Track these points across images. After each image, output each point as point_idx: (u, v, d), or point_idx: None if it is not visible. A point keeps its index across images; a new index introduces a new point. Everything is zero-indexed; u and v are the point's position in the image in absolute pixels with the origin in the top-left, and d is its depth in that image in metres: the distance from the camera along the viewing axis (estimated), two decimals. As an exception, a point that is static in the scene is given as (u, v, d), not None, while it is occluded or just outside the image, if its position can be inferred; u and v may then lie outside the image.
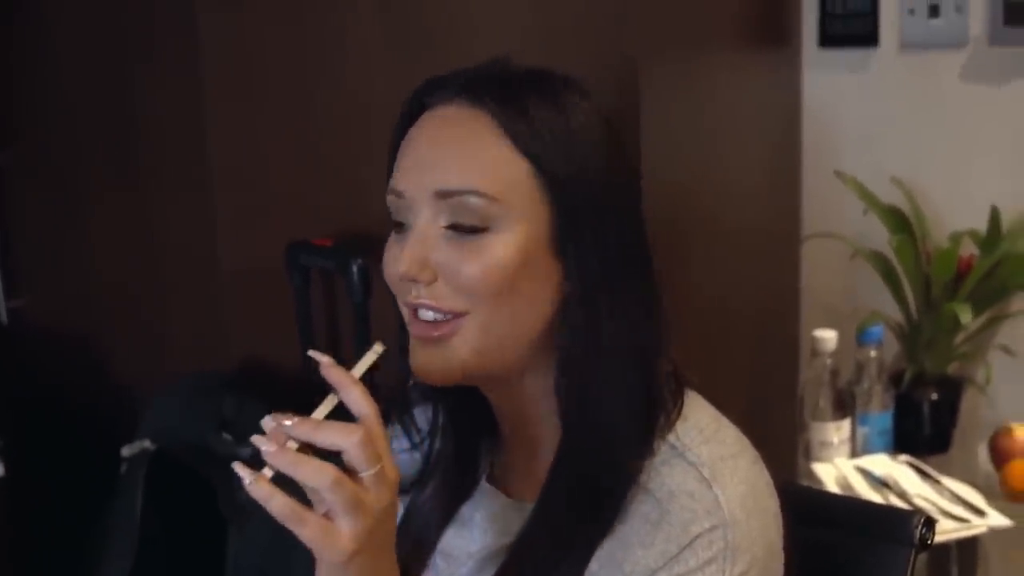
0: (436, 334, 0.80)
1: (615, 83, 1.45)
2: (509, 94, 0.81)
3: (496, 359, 0.82)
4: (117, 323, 1.96)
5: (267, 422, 0.69)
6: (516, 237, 0.80)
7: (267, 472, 0.68)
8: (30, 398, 1.98)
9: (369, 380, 0.74)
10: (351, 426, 0.70)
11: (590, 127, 0.83)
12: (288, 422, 0.68)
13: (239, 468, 0.68)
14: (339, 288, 1.67)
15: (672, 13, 1.52)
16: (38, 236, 2.04)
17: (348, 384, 0.71)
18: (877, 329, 1.59)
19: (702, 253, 1.56)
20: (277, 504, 0.68)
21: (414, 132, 0.83)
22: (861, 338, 1.63)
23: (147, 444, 1.62)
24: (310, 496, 0.69)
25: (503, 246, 0.80)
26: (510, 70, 0.85)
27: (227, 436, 1.58)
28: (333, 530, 0.69)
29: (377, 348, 0.77)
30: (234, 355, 1.78)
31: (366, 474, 0.69)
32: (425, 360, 0.81)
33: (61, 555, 1.74)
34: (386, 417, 0.90)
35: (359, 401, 0.71)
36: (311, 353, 0.72)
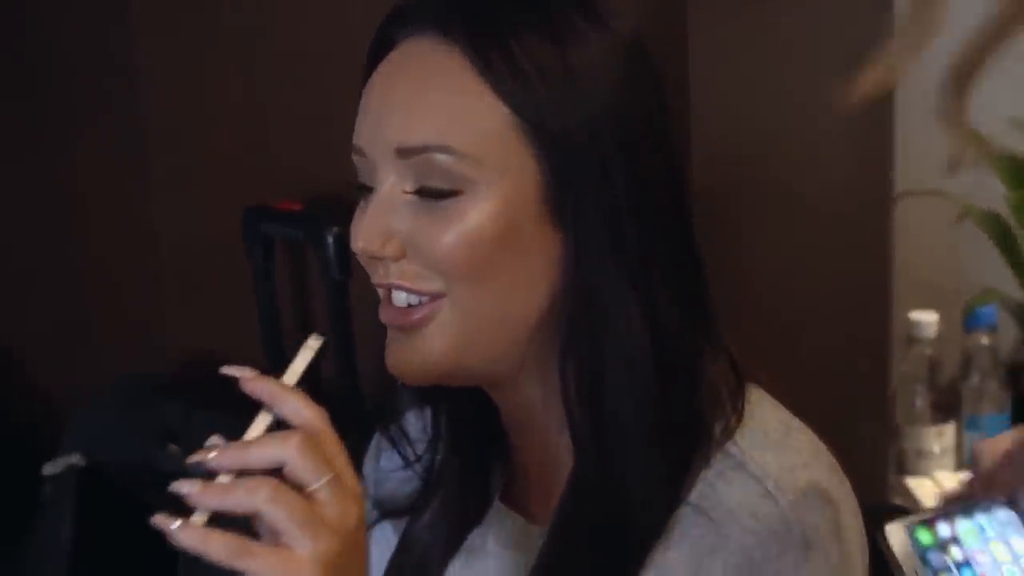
0: (409, 320, 0.73)
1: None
2: (488, 22, 0.73)
3: (483, 352, 0.75)
4: (29, 315, 1.77)
5: (191, 460, 0.64)
6: (495, 202, 0.73)
7: (197, 519, 0.62)
8: None
9: (313, 380, 0.70)
10: (286, 433, 0.64)
11: (600, 61, 0.73)
12: (211, 454, 0.63)
13: (159, 520, 0.61)
14: (310, 263, 1.53)
15: None
16: None
17: (281, 394, 0.65)
18: (990, 310, 1.44)
19: (765, 219, 1.39)
20: (215, 545, 0.61)
21: (376, 75, 0.75)
22: (969, 322, 1.47)
23: (75, 459, 1.50)
24: (259, 529, 0.63)
25: (479, 213, 0.73)
26: None
27: (173, 448, 1.45)
28: (289, 557, 0.62)
29: (312, 343, 0.69)
30: (178, 348, 1.62)
31: (317, 485, 0.62)
32: (399, 353, 0.74)
33: None
34: (370, 430, 0.89)
35: (298, 409, 0.64)
36: (224, 370, 0.67)
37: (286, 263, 1.55)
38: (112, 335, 1.68)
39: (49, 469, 1.50)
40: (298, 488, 0.63)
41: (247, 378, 0.65)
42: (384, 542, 0.88)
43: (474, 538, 0.85)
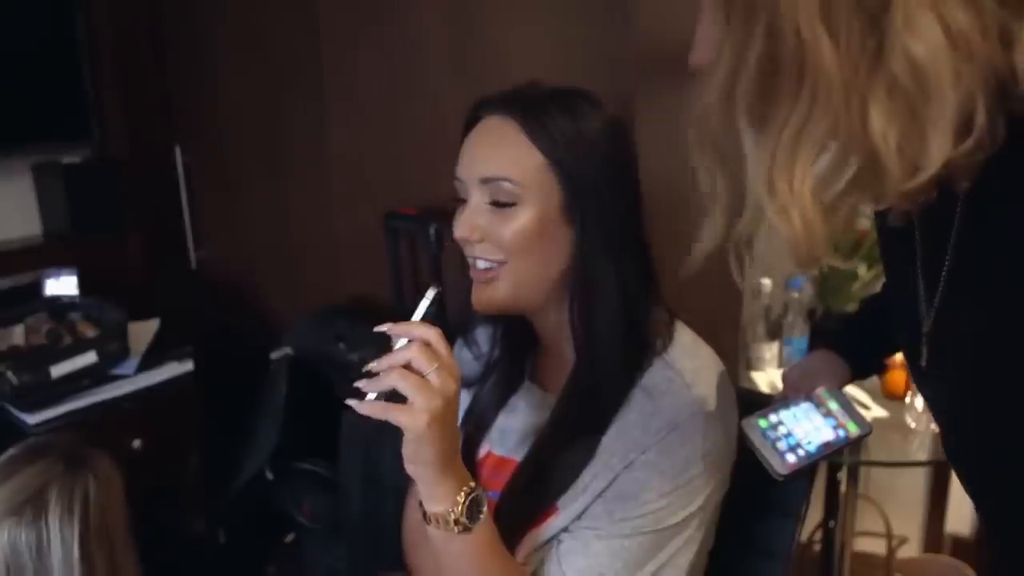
0: (485, 277, 0.90)
1: (616, 102, 1.33)
2: (532, 107, 0.89)
3: (528, 295, 0.91)
4: (267, 268, 2.20)
5: (372, 366, 0.78)
6: (535, 210, 0.88)
7: (369, 398, 0.79)
8: (211, 319, 2.25)
9: (434, 315, 0.82)
10: (416, 338, 0.79)
11: (597, 130, 0.89)
12: (373, 362, 0.79)
13: (350, 403, 0.77)
14: (420, 245, 1.86)
15: (660, 56, 1.49)
16: (214, 209, 2.29)
17: (408, 326, 0.80)
18: (799, 279, 1.79)
19: (678, 227, 1.26)
20: (375, 409, 0.78)
21: (470, 136, 0.92)
22: (789, 284, 1.80)
23: (288, 351, 1.88)
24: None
25: (526, 217, 0.88)
26: (538, 89, 0.92)
27: (341, 346, 1.81)
28: (410, 409, 0.77)
29: (429, 293, 0.83)
30: (347, 292, 2.00)
31: (429, 371, 0.77)
32: (480, 295, 0.91)
33: (230, 428, 1.96)
34: (453, 337, 1.06)
35: (419, 329, 0.79)
36: (377, 328, 0.80)
37: (407, 244, 1.89)
38: (311, 283, 2.09)
39: (274, 355, 1.90)
40: (419, 374, 0.78)
41: (387, 329, 0.80)
42: (462, 402, 1.05)
43: (514, 400, 1.01)
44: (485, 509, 0.85)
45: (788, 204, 0.51)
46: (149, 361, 1.89)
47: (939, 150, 0.49)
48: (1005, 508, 0.66)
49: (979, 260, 0.60)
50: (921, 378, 0.72)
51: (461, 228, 0.89)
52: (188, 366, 1.92)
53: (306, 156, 2.03)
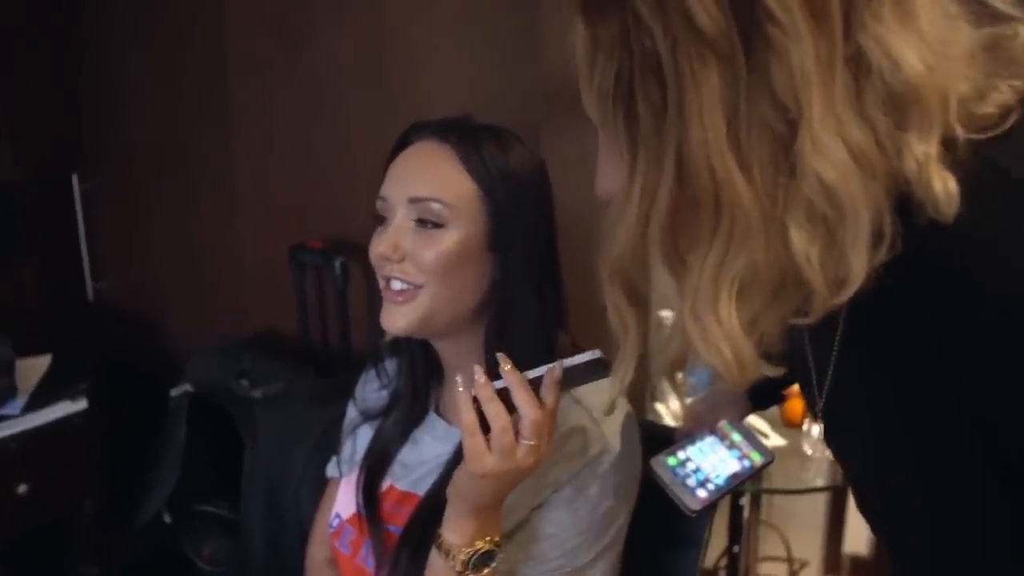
0: (401, 299, 0.91)
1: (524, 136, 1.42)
2: (469, 136, 0.92)
3: (440, 320, 0.92)
4: (169, 300, 2.18)
5: (501, 357, 0.78)
6: (460, 235, 0.90)
7: (497, 383, 0.77)
8: (108, 353, 2.19)
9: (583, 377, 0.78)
10: (537, 403, 0.77)
11: (527, 167, 0.93)
12: (507, 366, 0.77)
13: (478, 371, 0.77)
14: (326, 278, 1.85)
15: (566, 90, 1.55)
16: (114, 238, 2.25)
17: (553, 388, 0.77)
18: None
19: (583, 256, 1.29)
20: (470, 416, 0.77)
21: (400, 157, 0.94)
22: None
23: (188, 388, 1.82)
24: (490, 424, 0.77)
25: (451, 240, 0.89)
26: (472, 121, 0.96)
27: (244, 382, 1.74)
28: (485, 454, 0.78)
29: (588, 354, 0.78)
30: (252, 325, 2.00)
31: (524, 442, 0.77)
32: (391, 316, 0.92)
33: (126, 468, 1.89)
34: (359, 370, 1.09)
35: (553, 397, 0.77)
36: (499, 357, 0.77)
37: (312, 277, 1.88)
38: (215, 315, 2.07)
39: (174, 392, 1.82)
40: (517, 433, 0.77)
41: (553, 369, 0.77)
42: (365, 435, 1.09)
43: (417, 433, 1.02)
44: (493, 566, 0.86)
45: (718, 340, 0.52)
46: (38, 400, 1.83)
47: (860, 265, 0.51)
48: (906, 553, 0.70)
49: (863, 363, 0.62)
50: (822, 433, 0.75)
51: (383, 245, 0.89)
52: (81, 404, 1.86)
53: (213, 184, 2.03)
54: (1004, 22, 0.55)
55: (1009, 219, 0.50)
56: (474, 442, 0.77)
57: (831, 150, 0.49)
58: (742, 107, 0.50)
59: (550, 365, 0.77)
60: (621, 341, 0.59)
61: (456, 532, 0.83)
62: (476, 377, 0.76)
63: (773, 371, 0.57)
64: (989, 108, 0.53)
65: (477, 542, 0.83)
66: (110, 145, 2.21)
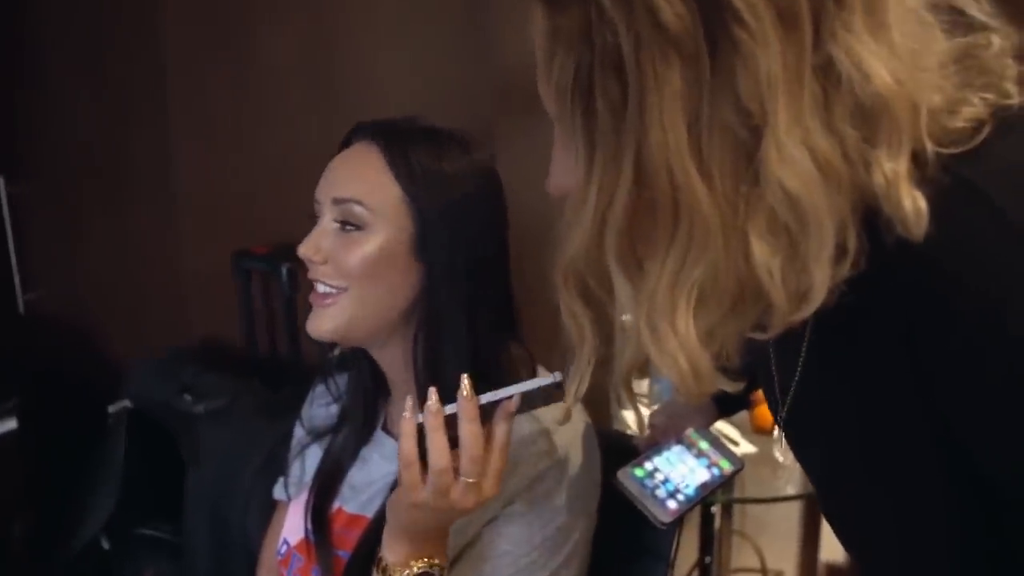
0: (324, 302, 0.91)
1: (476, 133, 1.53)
2: (398, 138, 0.91)
3: (365, 326, 0.92)
4: (106, 311, 2.13)
5: (464, 380, 0.74)
6: (382, 239, 0.89)
7: (449, 408, 0.74)
8: (40, 369, 2.10)
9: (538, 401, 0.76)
10: (482, 440, 0.74)
11: (461, 172, 0.90)
12: (465, 392, 0.73)
13: (433, 392, 0.74)
14: (273, 285, 1.83)
15: (518, 90, 1.47)
16: (46, 247, 2.21)
17: (503, 424, 0.75)
18: None
19: (544, 263, 1.48)
20: (408, 444, 0.74)
21: (335, 159, 0.94)
22: None
23: (127, 404, 1.78)
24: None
25: (372, 244, 0.89)
26: (412, 122, 0.94)
27: (187, 397, 1.71)
28: (419, 488, 0.75)
29: (552, 377, 0.76)
30: (194, 336, 1.96)
31: (463, 480, 0.75)
32: (315, 320, 0.92)
33: (61, 489, 1.82)
34: (308, 383, 1.08)
35: (503, 435, 0.75)
36: (463, 378, 0.73)
37: (258, 285, 1.86)
38: (155, 326, 2.03)
39: (112, 409, 1.79)
40: (456, 469, 0.74)
41: (465, 397, 0.73)
42: (314, 455, 1.08)
43: (366, 452, 1.01)
44: None
45: (674, 349, 0.51)
46: (-38, 419, 1.74)
47: (822, 280, 0.50)
48: (871, 560, 0.69)
49: (828, 375, 0.62)
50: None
51: (306, 247, 0.89)
52: (11, 424, 1.80)
53: (150, 187, 2.00)
54: (978, 31, 0.54)
55: (980, 241, 0.50)
56: (409, 473, 0.75)
57: (796, 159, 0.49)
58: (704, 110, 0.49)
59: (507, 390, 0.74)
60: (576, 347, 0.58)
61: (391, 551, 0.82)
62: (428, 402, 0.73)
63: (731, 386, 0.57)
64: (960, 122, 0.52)
65: (412, 562, 0.81)
66: (39, 146, 2.16)
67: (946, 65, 0.53)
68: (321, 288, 0.91)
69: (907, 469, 0.60)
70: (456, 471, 0.74)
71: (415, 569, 0.82)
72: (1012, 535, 0.58)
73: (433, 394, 0.74)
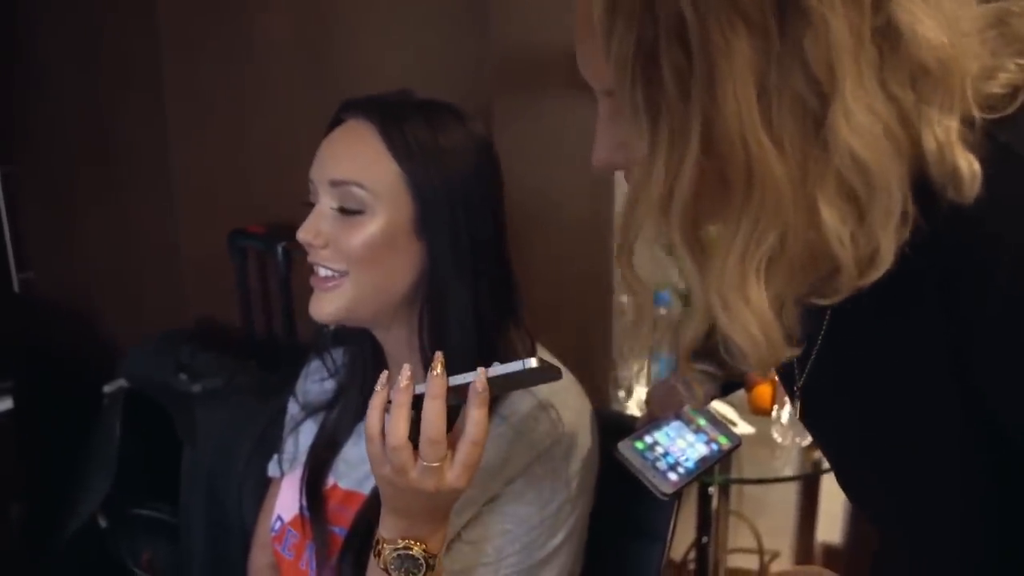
0: (325, 286, 0.92)
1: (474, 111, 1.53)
2: (394, 114, 0.90)
3: (368, 308, 0.93)
4: (103, 292, 2.11)
5: (437, 358, 0.74)
6: (384, 221, 0.89)
7: (419, 388, 0.74)
8: (35, 349, 2.10)
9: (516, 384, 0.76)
10: (441, 424, 0.73)
11: (459, 145, 0.91)
12: (436, 371, 0.73)
13: (406, 368, 0.74)
14: (269, 265, 1.80)
15: (518, 66, 1.58)
16: (41, 226, 2.18)
17: (477, 408, 0.73)
18: (666, 294, 1.82)
19: (545, 243, 1.57)
20: (372, 417, 0.74)
21: (328, 138, 0.94)
22: (656, 301, 1.77)
23: (123, 383, 1.77)
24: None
25: (374, 226, 0.89)
26: (405, 97, 0.93)
27: (183, 376, 1.70)
28: (382, 461, 0.76)
29: (528, 362, 0.73)
30: (190, 316, 1.93)
31: (422, 462, 0.75)
32: (317, 304, 0.93)
33: (57, 470, 1.81)
34: (303, 361, 1.11)
35: (477, 429, 0.74)
36: (436, 361, 0.73)
37: (254, 264, 1.83)
38: (151, 307, 2.00)
39: (108, 389, 1.79)
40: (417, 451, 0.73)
41: (435, 376, 0.72)
42: (308, 430, 1.10)
43: (362, 428, 0.92)
44: (421, 574, 0.82)
45: (746, 319, 0.52)
46: (-43, 400, 1.73)
47: (888, 245, 0.51)
48: (891, 529, 0.71)
49: (855, 340, 0.62)
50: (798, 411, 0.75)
51: (305, 231, 0.89)
52: (7, 403, 1.79)
53: (145, 167, 1.95)
54: None
55: (1020, 203, 0.50)
56: (372, 447, 0.75)
57: (864, 125, 0.49)
58: (773, 78, 0.49)
59: (475, 373, 0.72)
60: (635, 324, 0.62)
61: (384, 526, 0.81)
62: (400, 377, 0.72)
63: (793, 352, 0.57)
64: (996, 88, 0.53)
65: (400, 540, 0.80)
66: (32, 126, 2.14)
67: (982, 31, 0.54)
68: (322, 272, 0.91)
69: (932, 438, 0.60)
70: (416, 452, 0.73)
71: (400, 546, 0.81)
72: None
73: (406, 370, 0.73)
